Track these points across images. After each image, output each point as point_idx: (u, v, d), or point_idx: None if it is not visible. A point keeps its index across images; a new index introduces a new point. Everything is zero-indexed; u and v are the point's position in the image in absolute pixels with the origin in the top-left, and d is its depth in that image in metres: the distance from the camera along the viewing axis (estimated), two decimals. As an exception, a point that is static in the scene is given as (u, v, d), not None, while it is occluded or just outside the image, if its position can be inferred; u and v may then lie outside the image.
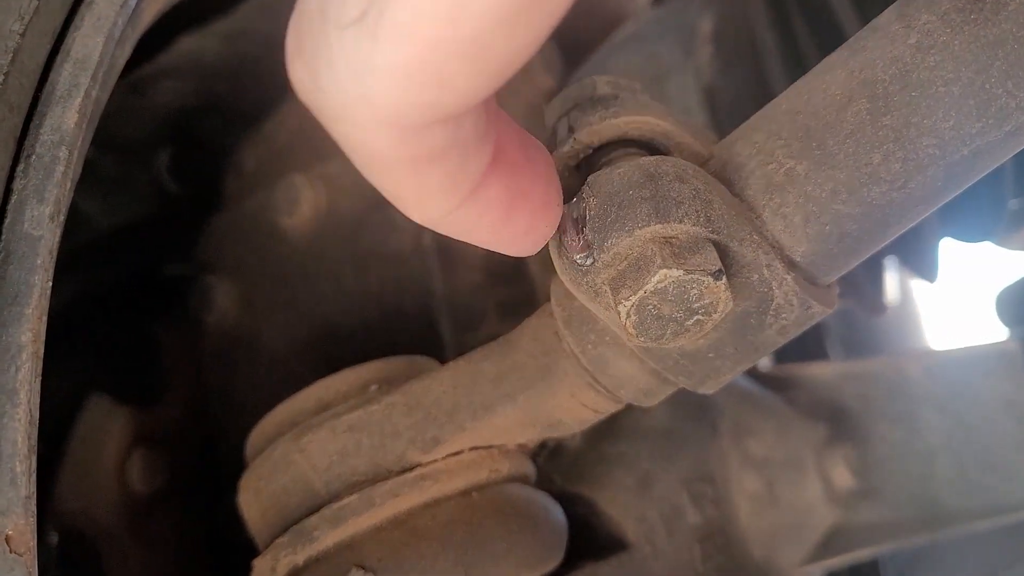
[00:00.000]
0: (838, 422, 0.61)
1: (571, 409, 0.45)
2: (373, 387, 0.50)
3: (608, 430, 0.59)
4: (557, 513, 0.51)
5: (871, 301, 0.77)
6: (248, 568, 0.50)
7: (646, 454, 0.58)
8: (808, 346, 0.83)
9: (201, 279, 0.81)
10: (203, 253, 0.83)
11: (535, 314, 0.47)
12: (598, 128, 0.40)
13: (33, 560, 0.35)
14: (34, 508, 0.35)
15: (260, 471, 0.49)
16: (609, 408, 0.46)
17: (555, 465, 0.57)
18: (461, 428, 0.46)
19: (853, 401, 0.62)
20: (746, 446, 0.59)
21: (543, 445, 0.54)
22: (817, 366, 0.66)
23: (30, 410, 0.36)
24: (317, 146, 0.81)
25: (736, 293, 0.38)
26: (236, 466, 0.55)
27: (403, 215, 0.72)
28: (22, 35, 0.40)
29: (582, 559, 0.53)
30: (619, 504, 0.56)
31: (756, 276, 0.39)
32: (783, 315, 0.40)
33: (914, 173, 0.37)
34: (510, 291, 0.73)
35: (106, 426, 0.77)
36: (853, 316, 0.88)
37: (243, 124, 0.96)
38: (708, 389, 0.43)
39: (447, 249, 0.73)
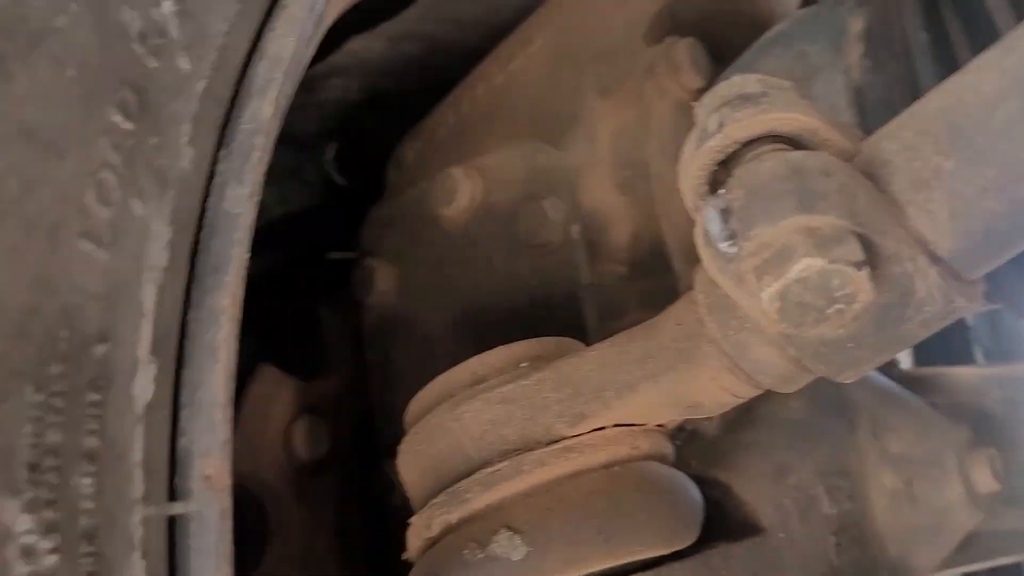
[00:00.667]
0: (982, 425, 0.60)
1: (711, 392, 0.47)
2: (524, 364, 0.53)
3: (746, 419, 0.60)
4: (694, 492, 0.52)
5: (1019, 304, 0.75)
6: (400, 531, 0.55)
7: (783, 444, 0.59)
8: (953, 347, 0.81)
9: (363, 263, 0.86)
10: (365, 239, 0.89)
11: (679, 301, 0.50)
12: (747, 124, 0.42)
13: (228, 497, 0.40)
14: (230, 451, 0.40)
15: (418, 437, 0.53)
16: (748, 393, 0.47)
17: (693, 450, 0.59)
18: (606, 405, 0.49)
19: (998, 405, 0.61)
20: (885, 443, 0.59)
21: (681, 428, 0.56)
22: (961, 368, 0.65)
23: (228, 366, 0.41)
24: (475, 140, 0.86)
25: (878, 285, 0.39)
26: (391, 436, 0.59)
27: (554, 208, 0.74)
28: (227, 34, 0.45)
29: (716, 540, 0.54)
30: (754, 490, 0.57)
31: (899, 269, 0.40)
32: (926, 308, 0.41)
33: None
34: (653, 283, 0.75)
35: (274, 395, 0.84)
36: (1000, 319, 0.85)
37: (404, 120, 1.01)
38: (847, 378, 0.44)
39: (594, 241, 0.76)
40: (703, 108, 0.45)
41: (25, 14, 0.33)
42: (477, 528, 0.48)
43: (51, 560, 0.32)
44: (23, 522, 0.31)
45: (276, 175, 1.06)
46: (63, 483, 0.33)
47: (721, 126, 0.42)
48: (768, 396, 0.48)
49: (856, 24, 0.68)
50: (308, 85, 1.03)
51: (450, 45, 1.03)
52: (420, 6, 0.95)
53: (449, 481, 0.50)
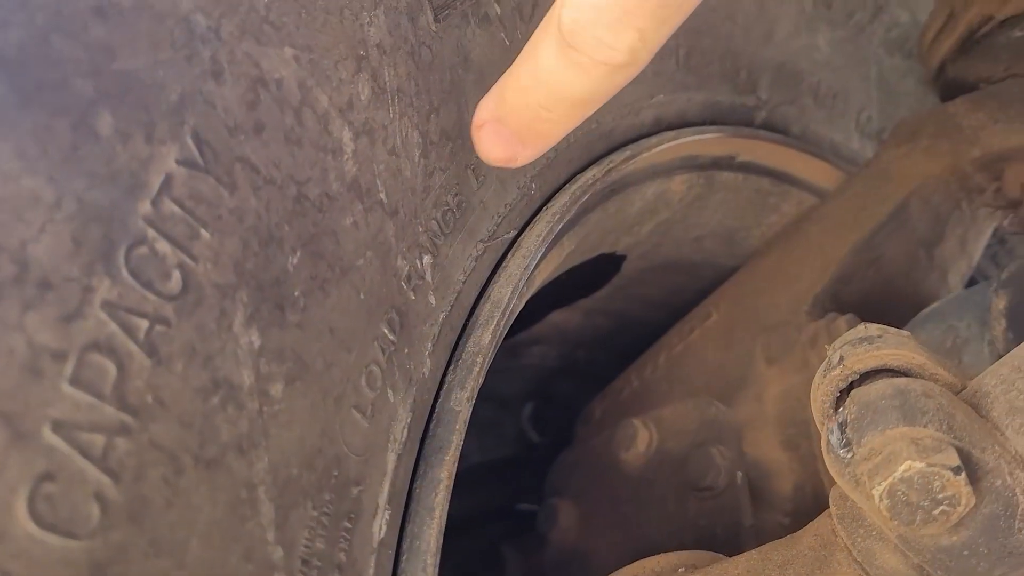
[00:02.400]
0: None
1: (845, 596, 0.53)
2: (680, 569, 0.61)
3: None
4: None
5: None
6: None
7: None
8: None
9: (548, 501, 0.97)
10: (551, 481, 1.00)
11: (818, 517, 0.57)
12: (863, 358, 0.52)
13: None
14: (435, 590, 0.51)
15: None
16: (879, 598, 0.53)
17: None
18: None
19: None
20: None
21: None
22: None
23: (440, 524, 0.53)
24: (654, 398, 0.97)
25: (983, 496, 0.46)
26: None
27: (720, 455, 0.83)
28: (463, 283, 0.60)
29: None
30: None
31: (1000, 481, 0.47)
32: (1030, 520, 0.47)
33: None
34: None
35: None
36: None
37: (594, 385, 1.15)
38: (968, 589, 0.50)
39: (758, 489, 0.83)
40: (831, 348, 0.55)
41: (343, 255, 0.49)
42: None
43: (306, 635, 0.43)
44: (295, 597, 0.43)
45: (479, 428, 1.21)
46: (320, 582, 0.45)
47: (842, 359, 0.52)
48: None
49: (1000, 302, 0.77)
50: (513, 351, 1.20)
51: (638, 321, 1.18)
52: (613, 286, 1.11)
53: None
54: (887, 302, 0.92)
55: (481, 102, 0.54)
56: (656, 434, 0.89)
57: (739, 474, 0.83)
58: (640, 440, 0.89)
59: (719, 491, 0.83)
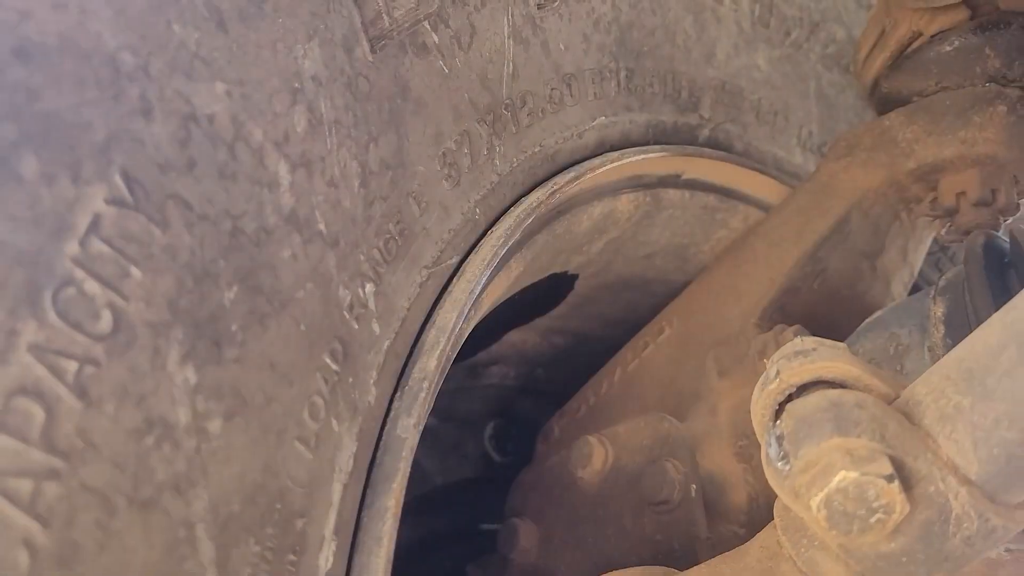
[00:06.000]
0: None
1: (792, 606, 0.54)
2: (633, 586, 0.61)
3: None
4: None
5: None
6: None
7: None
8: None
9: (508, 522, 0.97)
10: (511, 501, 1.00)
11: (764, 529, 0.58)
12: (798, 371, 0.52)
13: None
14: (384, 619, 0.51)
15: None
16: (825, 606, 0.54)
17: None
18: (698, 617, 0.56)
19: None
20: None
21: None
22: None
23: (388, 552, 0.53)
24: (610, 415, 0.98)
25: (917, 502, 0.47)
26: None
27: (675, 469, 0.84)
28: (408, 309, 0.61)
29: None
30: None
31: (933, 488, 0.48)
32: (964, 525, 0.48)
33: None
34: (768, 543, 0.81)
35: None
36: None
37: (553, 403, 1.15)
38: (906, 594, 0.50)
39: (713, 502, 0.84)
40: (769, 362, 0.56)
41: (281, 287, 0.49)
42: None
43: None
44: (238, 633, 0.43)
45: (441, 449, 1.21)
46: (265, 616, 0.45)
47: (778, 373, 0.53)
48: None
49: (938, 309, 0.79)
50: (472, 372, 1.20)
51: (594, 338, 1.19)
52: (568, 305, 1.12)
53: None
54: (834, 312, 0.93)
55: None
56: (611, 451, 0.90)
57: (693, 487, 0.84)
58: (596, 458, 0.90)
59: (674, 505, 0.83)
